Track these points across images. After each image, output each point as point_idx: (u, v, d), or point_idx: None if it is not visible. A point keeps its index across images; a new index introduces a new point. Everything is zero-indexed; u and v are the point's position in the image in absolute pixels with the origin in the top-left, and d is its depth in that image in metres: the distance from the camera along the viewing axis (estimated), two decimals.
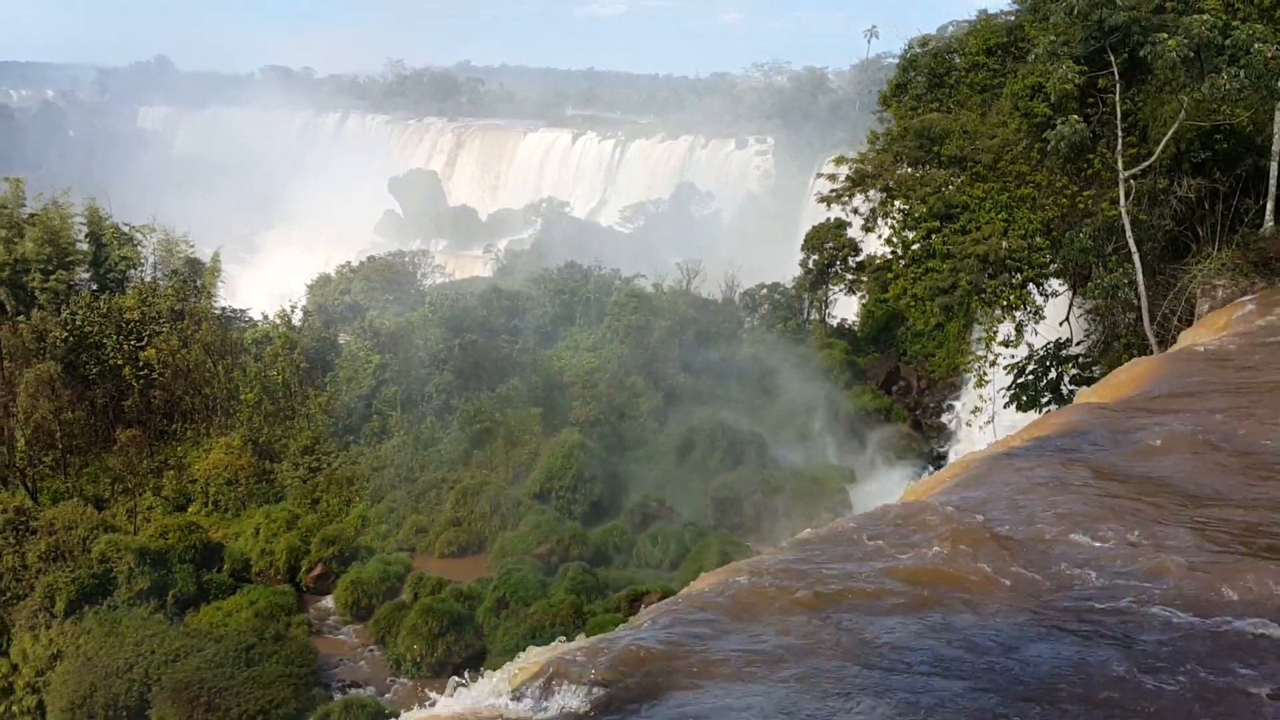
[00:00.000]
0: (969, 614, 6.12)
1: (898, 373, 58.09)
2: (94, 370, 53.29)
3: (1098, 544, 7.02)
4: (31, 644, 38.16)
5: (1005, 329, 25.76)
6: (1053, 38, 25.08)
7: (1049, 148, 24.53)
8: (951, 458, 50.53)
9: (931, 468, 50.44)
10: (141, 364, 53.51)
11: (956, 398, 54.58)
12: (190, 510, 48.57)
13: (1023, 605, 6.25)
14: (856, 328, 63.97)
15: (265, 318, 60.14)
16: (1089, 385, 23.11)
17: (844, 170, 29.19)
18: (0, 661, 38.45)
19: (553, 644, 6.05)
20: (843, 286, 63.40)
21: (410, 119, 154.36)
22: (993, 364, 26.06)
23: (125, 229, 63.68)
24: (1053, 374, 26.46)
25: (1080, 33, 24.86)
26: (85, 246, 62.44)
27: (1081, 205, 25.40)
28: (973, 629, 5.96)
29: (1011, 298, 25.12)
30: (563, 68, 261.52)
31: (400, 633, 38.61)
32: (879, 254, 44.21)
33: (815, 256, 61.73)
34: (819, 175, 45.37)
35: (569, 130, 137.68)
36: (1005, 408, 26.85)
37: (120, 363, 53.47)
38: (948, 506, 7.50)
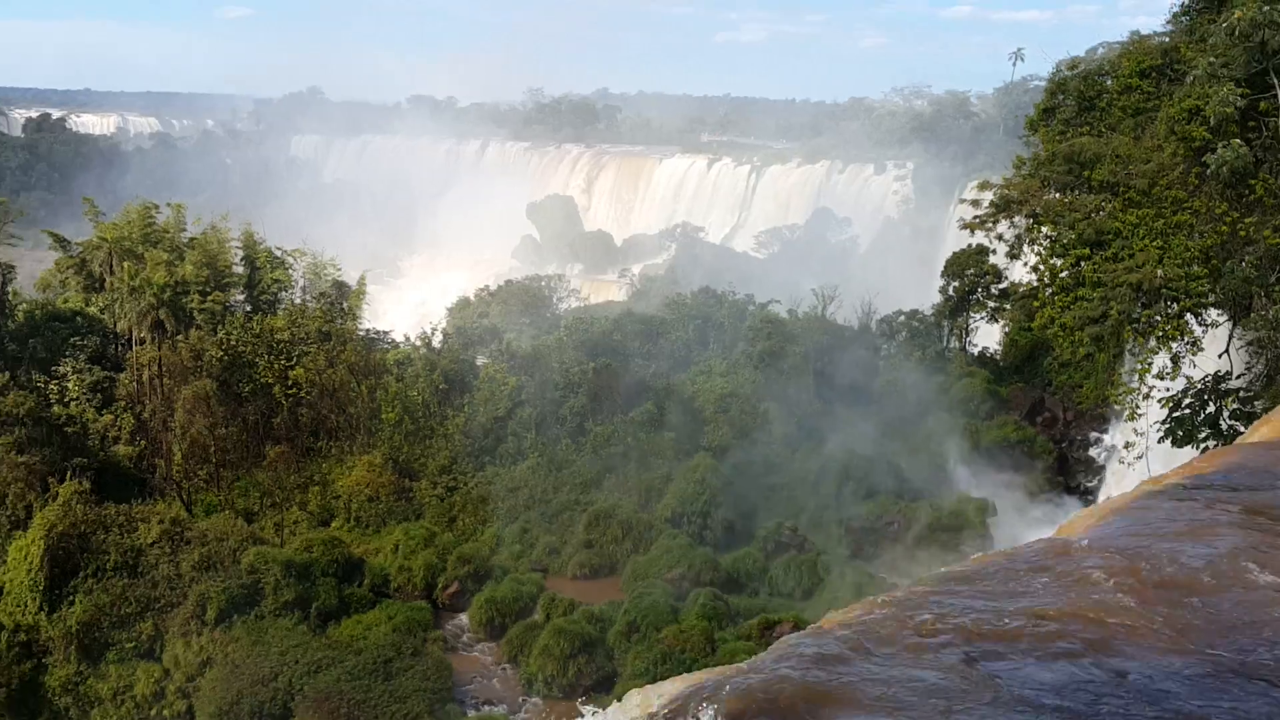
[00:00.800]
0: (1125, 660, 5.84)
1: (1043, 404, 56.46)
2: (246, 388, 55.05)
3: (1263, 591, 6.65)
4: (183, 650, 39.45)
5: (1160, 360, 24.84)
6: (1212, 59, 24.24)
7: (1208, 172, 23.69)
8: (1100, 493, 48.94)
9: (1079, 503, 48.92)
10: (290, 383, 55.11)
11: (1105, 431, 52.83)
12: (333, 525, 49.76)
13: (1184, 652, 5.95)
14: (999, 356, 62.42)
15: (407, 339, 61.44)
16: (1250, 421, 22.14)
17: (988, 195, 28.56)
18: (153, 667, 39.78)
19: (687, 675, 5.94)
20: (984, 314, 62.01)
21: (549, 146, 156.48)
22: (1146, 397, 25.12)
23: (278, 253, 65.76)
24: (1211, 408, 25.42)
25: (1241, 55, 23.99)
26: (240, 269, 64.64)
27: (1243, 233, 24.41)
28: (1129, 675, 5.68)
29: (1167, 328, 24.22)
30: (700, 94, 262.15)
31: (532, 652, 38.89)
32: (1023, 281, 43.15)
33: (956, 283, 60.52)
34: (961, 201, 44.46)
35: (705, 156, 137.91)
36: (1160, 442, 25.85)
37: (271, 381, 55.14)
38: (1102, 545, 7.19)
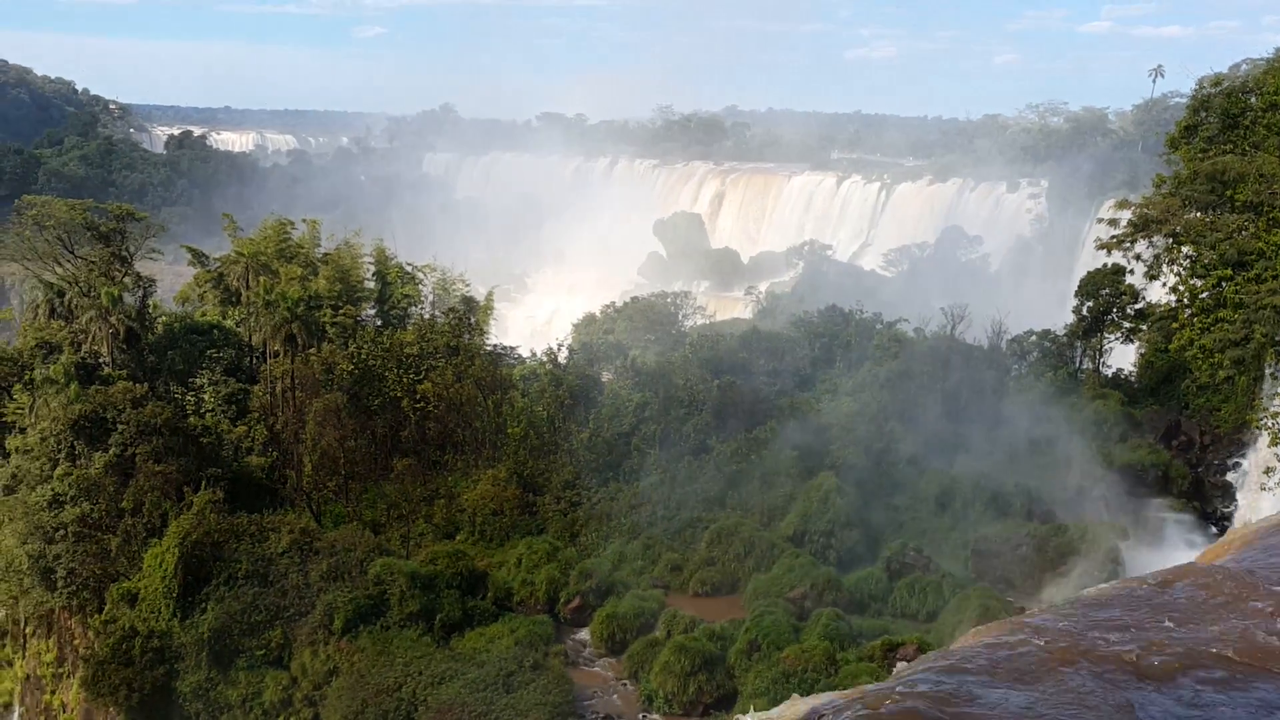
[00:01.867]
0: (1265, 692, 5.64)
1: (1178, 427, 54.63)
2: (375, 401, 56.05)
3: None
4: (310, 659, 40.29)
5: None
6: None
7: None
8: (1237, 519, 47.24)
9: (1215, 528, 47.27)
10: (418, 397, 55.97)
11: (1243, 455, 50.96)
12: (458, 538, 50.36)
13: None
14: (1133, 378, 60.70)
15: (533, 354, 62.10)
16: None
17: (1126, 214, 27.87)
18: (281, 675, 40.71)
19: (807, 697, 5.91)
20: (1119, 335, 60.38)
21: (677, 163, 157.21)
22: None
23: (408, 268, 67.07)
24: None
25: None
26: (372, 284, 66.04)
27: None
28: (1271, 708, 5.50)
29: None
30: (830, 111, 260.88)
31: (653, 669, 38.86)
32: (1161, 302, 41.93)
33: (1090, 303, 58.98)
34: (1098, 220, 43.38)
35: (834, 173, 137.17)
36: None
37: (399, 395, 56.09)
38: (1247, 570, 6.95)
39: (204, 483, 47.12)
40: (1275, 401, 25.24)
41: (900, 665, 6.38)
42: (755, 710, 6.19)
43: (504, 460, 54.42)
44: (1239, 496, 49.71)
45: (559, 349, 61.66)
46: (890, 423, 53.47)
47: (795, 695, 6.01)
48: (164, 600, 42.35)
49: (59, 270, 59.54)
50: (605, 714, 38.52)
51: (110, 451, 48.47)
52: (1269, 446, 25.07)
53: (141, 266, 61.41)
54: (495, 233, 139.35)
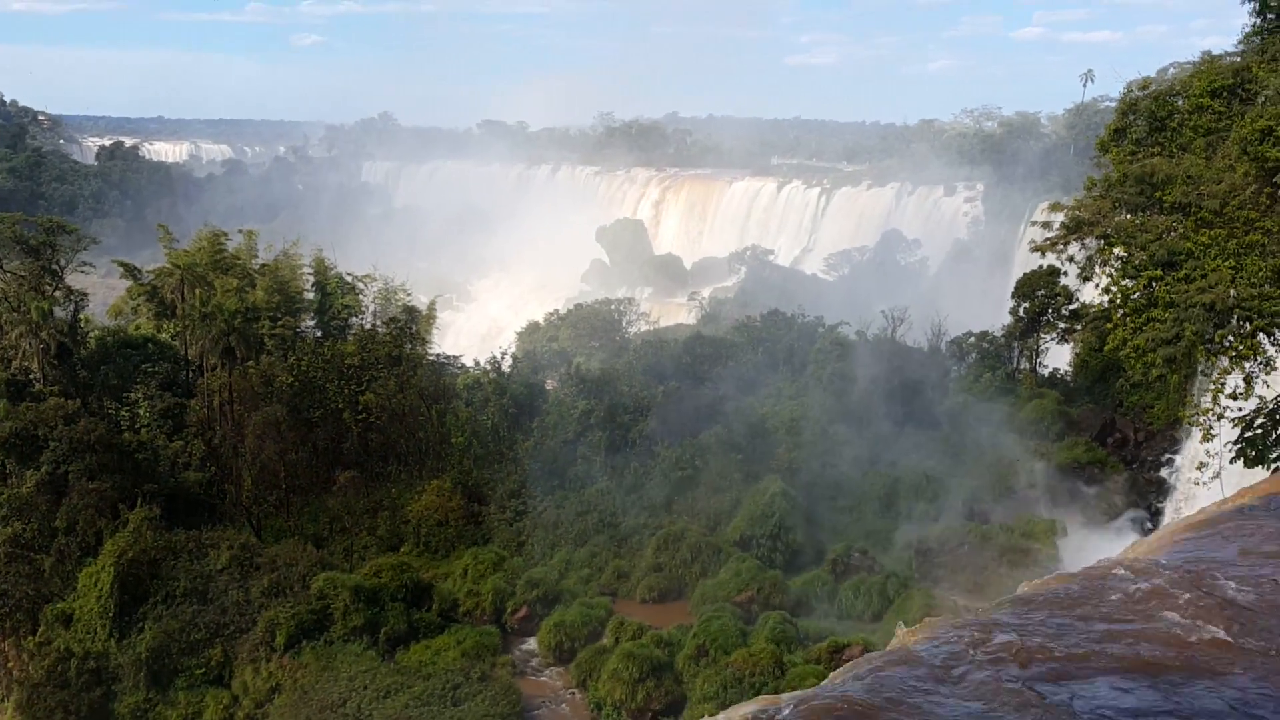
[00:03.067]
0: (1203, 685, 5.77)
1: (1113, 425, 55.62)
2: (316, 413, 55.56)
3: None
4: (252, 676, 39.83)
5: (1233, 380, 24.38)
6: None
7: None
8: (1170, 514, 48.06)
9: (1149, 524, 48.08)
10: (360, 408, 55.58)
11: (1176, 451, 51.91)
12: (402, 550, 50.06)
13: (1264, 675, 5.87)
14: (1069, 378, 61.68)
15: (476, 364, 61.84)
16: None
17: (1059, 217, 28.22)
18: (222, 693, 40.20)
19: (756, 699, 5.96)
20: (1054, 335, 61.36)
21: (618, 170, 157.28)
22: (1220, 417, 24.64)
23: (348, 278, 66.45)
24: None
25: None
26: (311, 295, 65.39)
27: None
28: (1207, 702, 5.62)
29: (1240, 348, 23.77)
30: (770, 117, 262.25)
31: (601, 677, 38.87)
32: (1094, 303, 42.56)
33: (1026, 305, 59.92)
34: (1032, 223, 43.99)
35: (774, 179, 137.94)
36: (1232, 463, 25.35)
37: (341, 406, 55.66)
38: (1176, 566, 7.11)
39: (140, 499, 46.32)
40: (1206, 398, 25.71)
41: (846, 665, 6.46)
42: (706, 715, 6.24)
43: (448, 470, 54.18)
44: (1172, 492, 50.63)
45: (503, 357, 61.49)
46: (834, 425, 53.91)
47: (746, 700, 6.08)
48: (100, 620, 41.67)
49: None
50: None
51: (42, 469, 47.54)
52: (1200, 442, 25.51)
53: (73, 280, 60.35)
54: (437, 241, 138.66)
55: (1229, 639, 6.21)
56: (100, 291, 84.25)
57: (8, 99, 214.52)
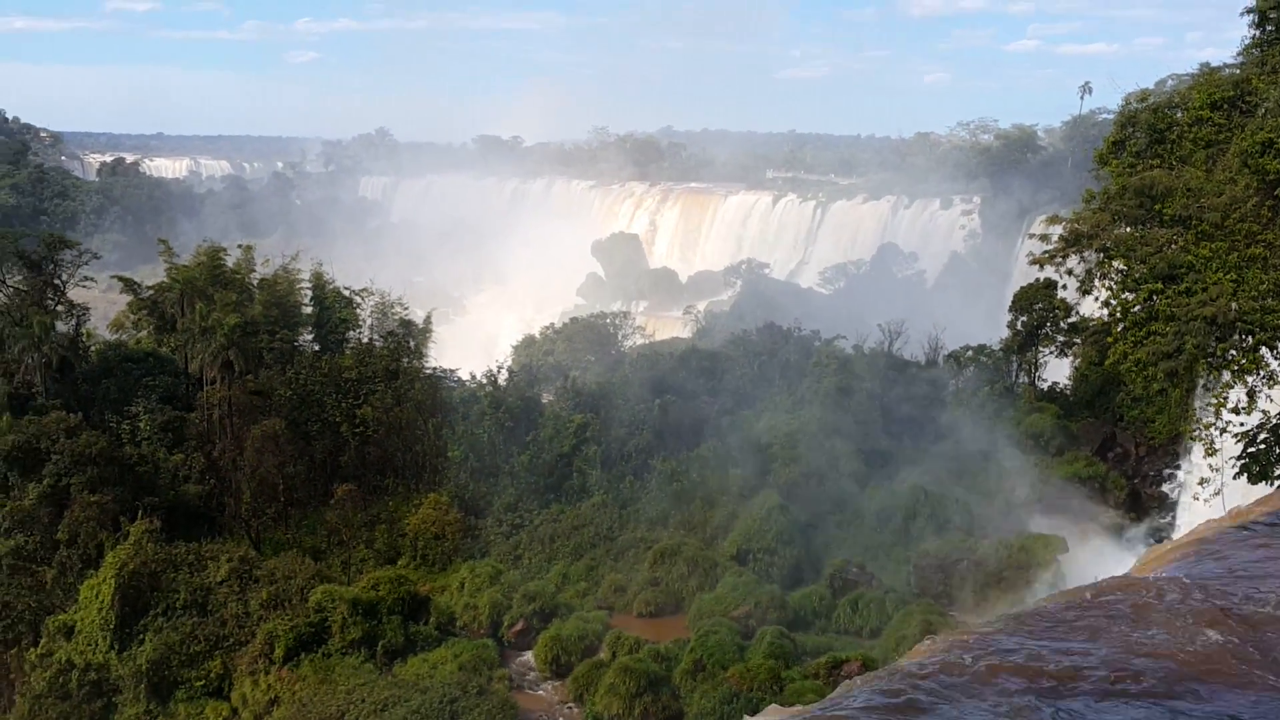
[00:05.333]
0: (1209, 701, 5.71)
1: (1114, 439, 55.55)
2: (314, 427, 55.54)
3: None
4: (251, 689, 39.76)
5: (1235, 394, 24.33)
6: None
7: None
8: (1173, 529, 47.97)
9: (1152, 539, 47.98)
10: (358, 421, 55.52)
11: (1178, 466, 51.86)
12: (400, 563, 49.99)
13: (1271, 690, 5.81)
14: (1068, 391, 61.60)
15: (473, 377, 61.77)
16: None
17: (1057, 230, 28.20)
18: (222, 705, 40.14)
19: (762, 713, 5.91)
20: (1053, 349, 61.33)
21: (613, 184, 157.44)
22: (1223, 431, 24.58)
23: (346, 292, 66.41)
24: None
25: None
26: (309, 309, 65.37)
27: None
28: (1215, 716, 5.56)
29: (1243, 361, 23.74)
30: (764, 130, 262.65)
31: (598, 691, 38.76)
32: (1093, 316, 42.58)
33: (1024, 318, 59.92)
34: (1030, 235, 44.00)
35: (770, 192, 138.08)
36: (1235, 478, 25.27)
37: (338, 420, 55.61)
38: (1180, 582, 7.04)
39: (140, 512, 46.44)
40: (1208, 413, 25.66)
41: (846, 683, 6.39)
42: None
43: (445, 484, 54.15)
44: (1175, 508, 50.53)
45: (499, 371, 61.43)
46: (831, 439, 53.83)
47: (746, 717, 6.00)
48: (101, 632, 41.64)
49: None
50: None
51: (44, 482, 47.65)
52: (1203, 457, 25.44)
53: (74, 294, 60.41)
54: (433, 255, 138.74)
55: (1231, 655, 6.15)
56: (101, 306, 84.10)
57: (9, 116, 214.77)
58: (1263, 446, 24.65)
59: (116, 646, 41.31)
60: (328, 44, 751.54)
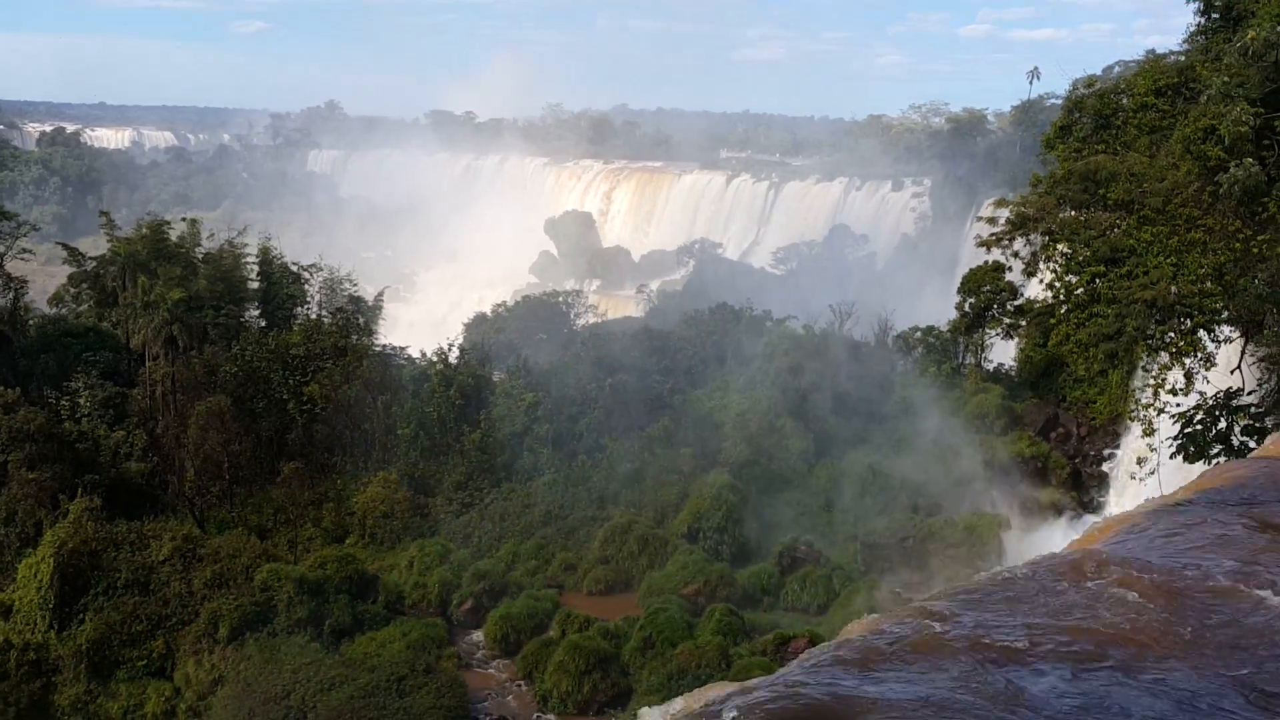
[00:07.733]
0: (1142, 671, 5.86)
1: (1056, 419, 56.31)
2: (260, 404, 55.08)
3: (1275, 606, 6.66)
4: (194, 669, 39.42)
5: (1173, 376, 24.75)
6: (1226, 79, 24.16)
7: (1221, 191, 23.59)
8: (1112, 507, 48.72)
9: (1091, 517, 48.73)
10: (305, 399, 55.13)
11: (1117, 446, 52.68)
12: (348, 542, 49.79)
13: (1201, 664, 5.96)
14: (1014, 372, 62.32)
15: (423, 355, 61.49)
16: (1262, 437, 22.03)
17: (1004, 213, 28.52)
18: (164, 685, 39.76)
19: (701, 690, 5.96)
20: (1000, 331, 61.93)
21: (567, 161, 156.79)
22: (1160, 412, 25.01)
23: (294, 268, 65.81)
24: (1223, 424, 25.31)
25: (1255, 74, 23.90)
26: (255, 284, 64.71)
27: (1255, 250, 24.31)
28: (1147, 687, 5.71)
29: (1181, 344, 24.15)
30: (719, 110, 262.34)
31: (548, 669, 38.88)
32: (1039, 298, 43.09)
33: (972, 300, 60.42)
34: (978, 218, 44.47)
35: (723, 172, 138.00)
36: (1172, 458, 25.74)
37: (285, 397, 55.20)
38: (1117, 557, 7.21)
39: (80, 490, 45.75)
40: (1146, 394, 26.07)
41: (795, 660, 6.47)
42: (651, 706, 6.23)
43: (394, 462, 53.92)
44: (1114, 486, 51.34)
45: (450, 349, 61.11)
46: (781, 419, 54.18)
47: (687, 695, 6.07)
48: (40, 611, 41.08)
49: None
50: (499, 715, 38.44)
51: None
52: (1141, 437, 25.89)
53: (12, 267, 59.54)
54: (384, 231, 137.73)
55: (1166, 629, 6.31)
56: (40, 279, 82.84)
57: None
58: (1199, 427, 25.10)
59: (56, 626, 40.75)
60: (276, 14, 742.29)
